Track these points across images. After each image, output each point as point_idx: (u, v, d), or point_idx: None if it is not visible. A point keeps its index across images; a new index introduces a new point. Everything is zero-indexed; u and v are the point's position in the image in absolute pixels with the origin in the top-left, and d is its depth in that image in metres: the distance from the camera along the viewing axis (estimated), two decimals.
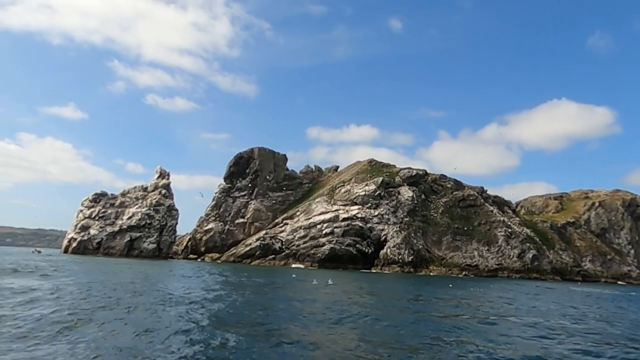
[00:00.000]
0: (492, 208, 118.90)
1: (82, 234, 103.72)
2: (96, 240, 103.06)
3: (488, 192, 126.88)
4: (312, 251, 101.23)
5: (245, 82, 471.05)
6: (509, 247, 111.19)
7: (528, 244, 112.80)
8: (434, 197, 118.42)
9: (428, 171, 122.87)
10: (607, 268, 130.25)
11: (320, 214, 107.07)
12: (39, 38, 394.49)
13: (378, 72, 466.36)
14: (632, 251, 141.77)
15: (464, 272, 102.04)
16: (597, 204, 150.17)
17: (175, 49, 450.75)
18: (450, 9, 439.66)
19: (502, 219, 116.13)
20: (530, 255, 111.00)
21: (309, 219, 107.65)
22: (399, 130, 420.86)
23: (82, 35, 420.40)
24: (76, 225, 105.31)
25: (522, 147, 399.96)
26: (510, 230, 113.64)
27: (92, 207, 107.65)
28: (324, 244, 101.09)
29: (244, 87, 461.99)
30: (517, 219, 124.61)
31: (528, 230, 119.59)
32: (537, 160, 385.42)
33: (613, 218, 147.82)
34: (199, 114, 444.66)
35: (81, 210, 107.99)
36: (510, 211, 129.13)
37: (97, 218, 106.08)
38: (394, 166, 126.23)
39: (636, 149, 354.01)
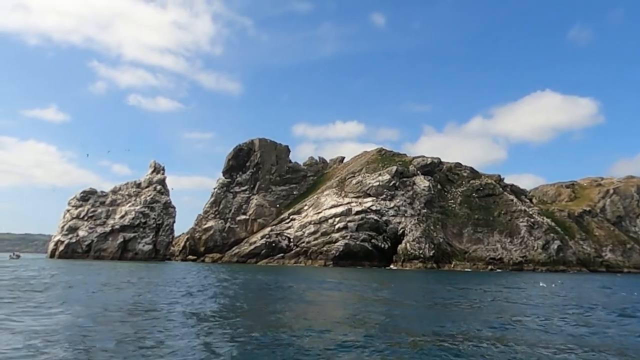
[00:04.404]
0: (511, 197, 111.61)
1: (69, 235, 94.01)
2: (86, 243, 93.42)
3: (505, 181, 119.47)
4: (324, 248, 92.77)
5: (229, 80, 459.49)
6: (532, 238, 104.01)
7: (552, 235, 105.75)
8: (449, 186, 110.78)
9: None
10: (628, 257, 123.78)
11: (330, 207, 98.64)
12: (15, 39, 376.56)
13: (363, 68, 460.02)
14: None
15: (489, 267, 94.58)
16: (611, 191, 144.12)
17: (156, 48, 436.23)
18: (434, 3, 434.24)
19: (522, 208, 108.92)
20: (555, 246, 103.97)
21: (319, 213, 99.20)
22: (385, 126, 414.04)
23: (60, 36, 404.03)
24: (63, 227, 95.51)
25: (508, 140, 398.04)
26: (532, 220, 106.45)
27: (80, 206, 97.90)
28: (337, 240, 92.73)
29: (228, 86, 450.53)
30: (536, 208, 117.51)
31: (548, 220, 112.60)
32: (523, 153, 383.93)
33: (628, 205, 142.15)
34: (184, 114, 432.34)
35: (68, 210, 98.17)
36: (527, 200, 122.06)
37: (86, 218, 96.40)
38: (405, 155, 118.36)
39: (619, 139, 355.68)
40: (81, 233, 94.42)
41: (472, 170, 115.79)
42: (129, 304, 18.18)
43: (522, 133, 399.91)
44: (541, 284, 40.88)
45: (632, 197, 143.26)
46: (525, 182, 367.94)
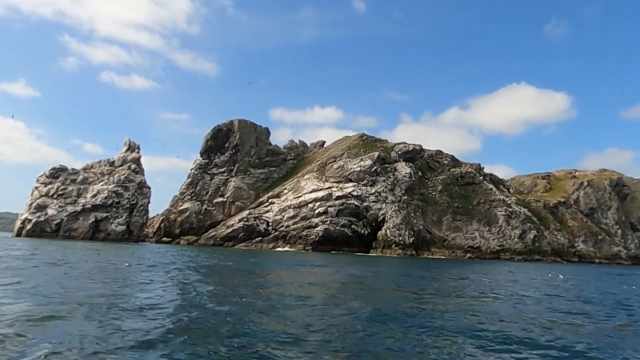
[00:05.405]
0: (490, 186, 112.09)
1: (37, 214, 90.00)
2: (55, 222, 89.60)
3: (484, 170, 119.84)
4: (303, 233, 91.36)
5: (207, 60, 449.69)
6: (510, 227, 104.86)
7: (529, 224, 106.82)
8: (430, 174, 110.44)
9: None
10: (599, 248, 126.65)
11: (311, 191, 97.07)
12: None
13: (343, 54, 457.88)
14: (620, 231, 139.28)
15: (468, 255, 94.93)
16: (585, 183, 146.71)
17: (131, 24, 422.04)
18: None
19: (501, 197, 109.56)
20: (532, 236, 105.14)
21: (299, 197, 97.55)
22: (363, 113, 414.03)
23: (30, 7, 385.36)
24: (31, 205, 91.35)
25: (482, 131, 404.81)
26: (510, 209, 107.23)
27: (50, 183, 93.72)
28: (317, 225, 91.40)
29: (205, 66, 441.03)
30: (514, 198, 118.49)
31: (525, 210, 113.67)
32: (497, 144, 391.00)
33: (601, 198, 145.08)
34: (159, 93, 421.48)
35: (37, 188, 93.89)
36: (505, 190, 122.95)
37: (55, 196, 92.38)
38: (387, 141, 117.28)
39: (590, 134, 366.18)
40: (50, 211, 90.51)
41: (452, 158, 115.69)
42: (74, 292, 15.98)
43: (496, 125, 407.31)
44: (549, 275, 40.26)
45: (604, 189, 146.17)
46: (498, 172, 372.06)
